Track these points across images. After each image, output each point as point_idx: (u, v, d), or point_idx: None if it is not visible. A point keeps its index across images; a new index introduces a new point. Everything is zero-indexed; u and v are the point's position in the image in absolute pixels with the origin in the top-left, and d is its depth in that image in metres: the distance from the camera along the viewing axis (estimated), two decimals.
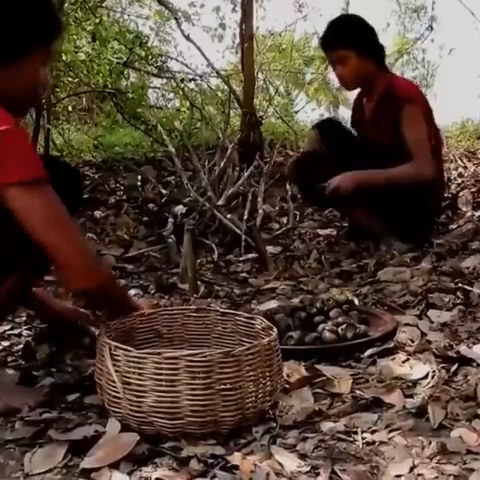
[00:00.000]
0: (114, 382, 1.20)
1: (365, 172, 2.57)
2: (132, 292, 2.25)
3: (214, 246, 2.77)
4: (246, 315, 1.50)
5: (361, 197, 2.61)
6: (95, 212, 3.48)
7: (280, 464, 1.08)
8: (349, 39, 2.64)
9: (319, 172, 2.63)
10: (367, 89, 2.75)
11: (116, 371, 1.20)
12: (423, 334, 1.64)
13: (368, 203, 2.66)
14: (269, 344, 1.27)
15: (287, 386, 1.38)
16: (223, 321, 1.52)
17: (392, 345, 1.58)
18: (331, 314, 1.75)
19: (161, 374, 1.17)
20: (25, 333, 1.81)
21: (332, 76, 10.73)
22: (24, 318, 1.88)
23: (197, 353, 1.18)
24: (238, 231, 2.86)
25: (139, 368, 1.18)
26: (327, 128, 2.83)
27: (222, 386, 1.18)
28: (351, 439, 1.17)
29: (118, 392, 1.20)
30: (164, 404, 1.17)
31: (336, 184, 2.56)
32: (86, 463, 1.09)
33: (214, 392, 1.17)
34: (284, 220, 3.37)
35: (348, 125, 2.96)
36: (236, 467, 1.07)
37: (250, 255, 2.69)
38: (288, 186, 3.66)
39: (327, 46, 2.72)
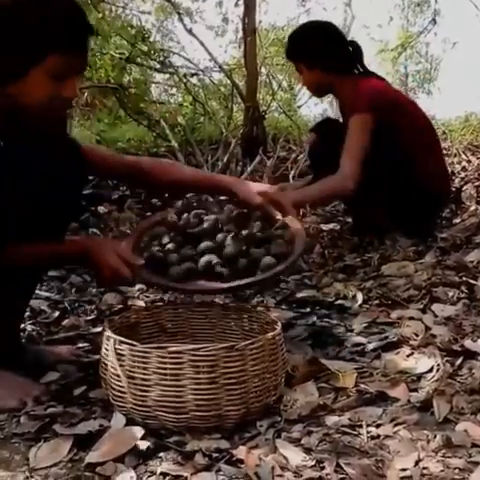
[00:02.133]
0: (119, 376, 1.20)
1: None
2: (136, 287, 2.26)
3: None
4: (250, 309, 1.49)
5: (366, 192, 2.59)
6: (98, 207, 3.48)
7: (285, 458, 1.08)
8: (297, 52, 2.69)
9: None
10: (335, 96, 2.81)
11: (120, 365, 1.20)
12: (427, 328, 1.64)
13: (373, 198, 2.65)
14: (273, 338, 1.27)
15: (291, 380, 1.38)
16: (227, 315, 1.52)
17: (396, 339, 1.58)
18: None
19: (165, 368, 1.17)
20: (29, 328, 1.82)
21: None
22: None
23: (201, 347, 1.18)
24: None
25: (143, 362, 1.18)
26: (325, 130, 2.82)
27: (226, 380, 1.18)
28: (356, 433, 1.16)
29: (123, 386, 1.20)
30: (168, 398, 1.17)
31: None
32: (91, 457, 1.10)
33: (218, 386, 1.17)
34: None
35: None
36: (241, 461, 1.07)
37: None
38: (291, 180, 3.66)
39: (286, 56, 2.81)
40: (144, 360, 1.18)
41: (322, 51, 2.67)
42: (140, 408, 1.19)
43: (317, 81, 2.69)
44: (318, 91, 2.81)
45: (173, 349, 1.18)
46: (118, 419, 1.21)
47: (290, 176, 3.79)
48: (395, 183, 2.54)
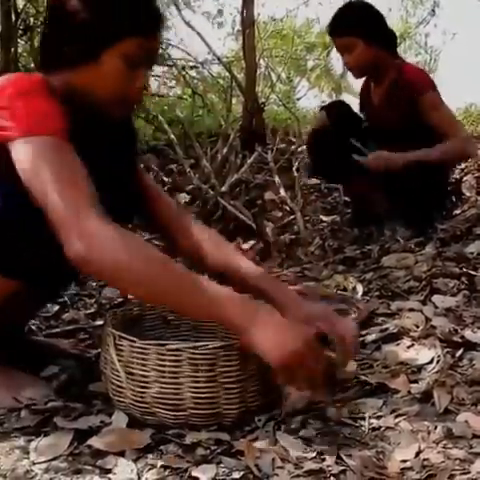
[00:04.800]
0: (118, 372, 1.20)
1: (405, 155, 2.49)
2: None
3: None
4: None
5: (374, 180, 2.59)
6: None
7: (285, 450, 1.08)
8: (356, 27, 2.61)
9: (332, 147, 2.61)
10: (375, 76, 2.73)
11: (120, 361, 1.20)
12: (428, 319, 1.64)
13: (379, 186, 2.64)
14: None
15: None
16: None
17: (396, 330, 1.58)
18: None
19: (164, 365, 1.16)
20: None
21: (334, 62, 10.69)
22: None
23: (200, 345, 1.17)
24: (243, 217, 2.86)
25: (142, 359, 1.17)
26: (336, 111, 2.79)
27: (225, 379, 1.17)
28: (356, 424, 1.16)
29: (122, 382, 1.20)
30: (167, 395, 1.16)
31: (376, 161, 2.50)
32: (92, 450, 1.09)
33: (217, 385, 1.16)
34: (287, 208, 3.36)
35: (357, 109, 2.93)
36: (241, 453, 1.07)
37: (252, 242, 2.69)
38: (296, 173, 3.66)
39: (334, 33, 2.69)
40: (143, 356, 1.17)
41: (381, 27, 2.67)
42: (139, 404, 1.18)
43: (371, 58, 2.62)
44: (365, 69, 2.69)
45: (172, 347, 1.17)
46: (119, 413, 1.21)
47: (294, 169, 3.78)
48: (409, 173, 2.53)
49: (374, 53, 2.62)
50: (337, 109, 2.81)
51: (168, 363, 1.16)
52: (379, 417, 1.19)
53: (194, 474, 1.02)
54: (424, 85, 2.58)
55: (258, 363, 1.16)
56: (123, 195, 1.31)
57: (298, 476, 1.01)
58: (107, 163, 1.25)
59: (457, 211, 2.84)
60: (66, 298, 2.04)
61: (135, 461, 1.07)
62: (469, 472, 1.00)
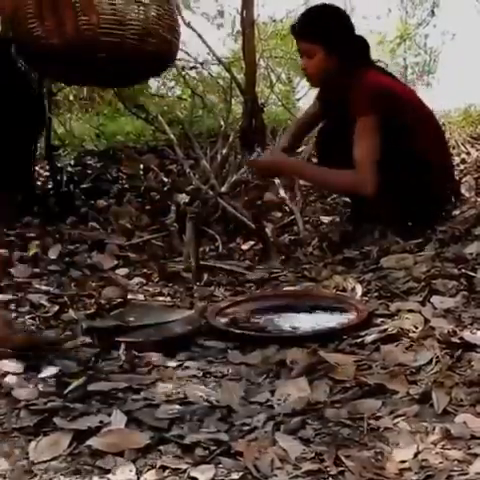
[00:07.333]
0: None
1: (299, 165, 2.52)
2: (135, 280, 2.26)
3: (216, 235, 2.77)
4: None
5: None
6: (97, 201, 3.47)
7: (284, 450, 1.09)
8: (318, 34, 2.49)
9: None
10: (331, 88, 2.61)
11: None
12: (426, 320, 1.64)
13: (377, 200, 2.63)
14: None
15: (290, 373, 1.39)
16: None
17: (395, 331, 1.58)
18: None
19: None
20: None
21: None
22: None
23: None
24: (243, 218, 2.86)
25: None
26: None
27: None
28: (355, 425, 1.17)
29: None
30: None
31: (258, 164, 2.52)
32: (91, 450, 1.10)
33: None
34: (287, 208, 3.36)
35: None
36: (240, 454, 1.07)
37: (252, 242, 2.69)
38: None
39: (296, 35, 2.58)
40: None
41: (344, 37, 2.52)
42: None
43: (330, 67, 2.50)
44: (321, 79, 2.58)
45: None
46: (118, 414, 1.21)
47: None
48: (399, 183, 2.51)
49: (333, 64, 2.50)
50: None
51: None
52: (378, 418, 1.19)
53: (193, 474, 1.03)
54: (360, 107, 2.43)
55: None
56: None
57: (297, 477, 1.01)
58: None
59: (456, 212, 2.84)
60: (66, 298, 2.04)
61: (134, 461, 1.07)
62: (467, 473, 1.00)
